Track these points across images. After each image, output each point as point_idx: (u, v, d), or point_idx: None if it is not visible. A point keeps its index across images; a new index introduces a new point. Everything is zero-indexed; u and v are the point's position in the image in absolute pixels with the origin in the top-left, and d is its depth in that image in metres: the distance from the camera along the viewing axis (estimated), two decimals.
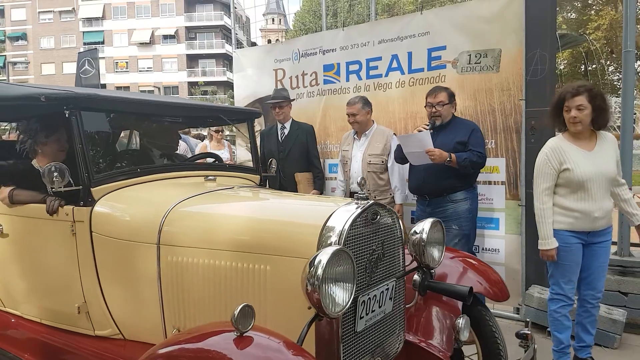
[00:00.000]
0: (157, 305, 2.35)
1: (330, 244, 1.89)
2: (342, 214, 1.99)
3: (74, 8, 49.48)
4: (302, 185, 4.72)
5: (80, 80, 10.61)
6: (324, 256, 1.72)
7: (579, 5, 20.78)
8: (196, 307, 2.26)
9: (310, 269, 1.71)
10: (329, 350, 1.90)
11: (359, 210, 2.02)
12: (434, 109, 3.86)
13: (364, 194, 2.11)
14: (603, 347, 3.72)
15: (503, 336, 2.53)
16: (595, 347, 3.51)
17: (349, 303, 1.81)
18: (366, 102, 4.35)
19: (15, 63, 43.03)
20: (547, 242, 3.13)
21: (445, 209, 3.83)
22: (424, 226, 2.34)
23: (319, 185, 4.84)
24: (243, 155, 6.17)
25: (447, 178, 3.76)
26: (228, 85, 45.51)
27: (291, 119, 4.94)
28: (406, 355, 2.37)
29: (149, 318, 2.39)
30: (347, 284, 1.81)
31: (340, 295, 1.80)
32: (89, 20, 49.51)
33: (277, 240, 2.08)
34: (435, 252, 2.40)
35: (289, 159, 4.76)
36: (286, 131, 4.88)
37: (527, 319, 2.48)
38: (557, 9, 6.14)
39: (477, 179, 4.07)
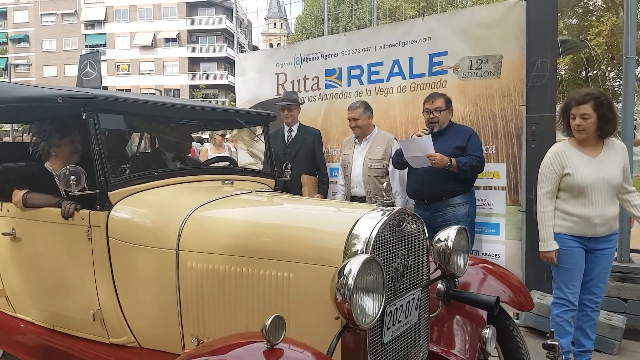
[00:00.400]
0: (175, 312, 2.28)
1: (356, 252, 1.85)
2: (368, 221, 1.94)
3: (76, 11, 49.66)
4: (307, 188, 4.73)
5: (82, 83, 10.62)
6: (355, 265, 1.66)
7: (580, 11, 20.84)
8: (216, 315, 2.19)
9: (339, 278, 1.66)
10: None
11: (385, 217, 1.97)
12: (431, 115, 3.90)
13: (389, 199, 2.05)
14: (602, 353, 3.72)
15: (527, 348, 2.48)
16: (595, 353, 3.51)
17: (379, 314, 1.76)
18: (367, 107, 4.36)
19: (17, 65, 43.22)
20: (547, 244, 3.19)
21: (444, 212, 3.85)
22: (449, 234, 2.28)
23: (323, 190, 4.83)
24: (244, 158, 6.18)
25: (446, 182, 3.80)
26: (229, 89, 45.60)
27: (299, 122, 4.94)
28: None
29: (166, 326, 2.33)
30: (377, 294, 1.76)
31: (371, 305, 1.74)
32: (91, 23, 49.68)
33: (302, 247, 2.02)
34: (461, 261, 2.33)
35: (295, 161, 4.75)
36: (293, 134, 4.87)
37: (552, 329, 2.42)
38: (558, 14, 6.16)
39: (478, 184, 4.10)
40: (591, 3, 20.55)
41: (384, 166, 4.30)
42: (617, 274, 4.08)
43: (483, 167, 3.84)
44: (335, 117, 5.26)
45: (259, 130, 6.09)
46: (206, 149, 7.33)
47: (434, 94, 3.99)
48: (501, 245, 4.23)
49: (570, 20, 21.14)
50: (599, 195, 3.07)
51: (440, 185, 3.81)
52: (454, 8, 7.10)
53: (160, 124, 3.26)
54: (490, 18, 4.20)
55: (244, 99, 6.18)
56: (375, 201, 4.24)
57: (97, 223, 2.47)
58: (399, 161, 4.02)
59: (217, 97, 46.65)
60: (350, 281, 1.63)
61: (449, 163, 3.68)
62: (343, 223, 2.00)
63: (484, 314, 2.44)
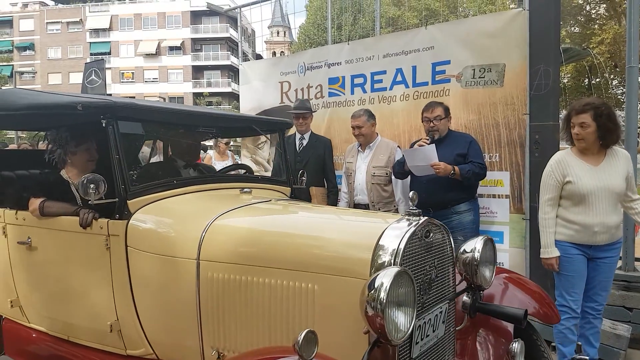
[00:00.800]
0: (194, 324, 2.23)
1: (383, 264, 1.81)
2: (395, 231, 1.90)
3: (81, 19, 50.06)
4: (315, 200, 4.72)
5: (87, 90, 10.68)
6: (387, 278, 1.62)
7: (582, 19, 20.90)
8: (237, 327, 2.15)
9: (370, 291, 1.61)
10: None
11: (413, 227, 1.92)
12: (431, 124, 3.93)
13: (415, 209, 2.00)
14: None
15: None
16: None
17: (411, 328, 1.71)
18: (371, 115, 4.38)
19: (22, 73, 43.45)
20: (548, 251, 3.22)
21: (450, 220, 3.85)
22: (475, 245, 2.23)
23: (333, 201, 4.81)
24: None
25: (450, 190, 3.82)
26: (233, 97, 45.78)
27: (310, 131, 4.94)
28: None
29: (186, 337, 2.28)
30: (409, 308, 1.71)
31: (402, 320, 1.69)
32: (96, 31, 50.05)
33: (327, 258, 1.97)
34: (487, 272, 2.29)
35: (305, 170, 4.74)
36: (305, 142, 4.86)
37: (579, 342, 2.39)
38: (561, 23, 6.19)
39: (481, 192, 4.12)
40: (593, 11, 20.62)
41: (387, 174, 4.31)
42: (622, 282, 4.07)
43: (485, 173, 3.87)
44: (338, 125, 5.28)
45: (262, 137, 6.16)
46: (210, 156, 7.35)
47: (432, 103, 4.02)
48: (505, 254, 4.23)
49: (573, 28, 21.20)
50: (600, 204, 3.09)
51: (445, 193, 3.83)
52: (457, 17, 7.14)
53: (177, 131, 3.23)
54: (493, 27, 4.23)
55: (247, 107, 6.22)
56: (379, 209, 4.25)
57: (116, 232, 2.43)
58: (400, 170, 4.05)
59: (220, 105, 46.81)
60: (383, 295, 1.59)
61: (452, 171, 3.71)
62: (369, 234, 1.96)
63: (510, 327, 2.38)
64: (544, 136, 4.04)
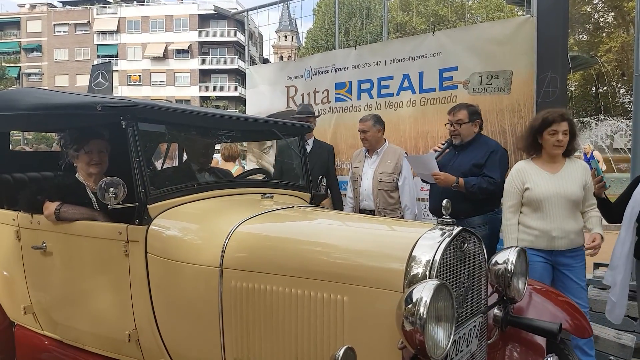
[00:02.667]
0: (217, 334, 2.16)
1: (416, 275, 1.75)
2: (428, 242, 1.84)
3: (89, 21, 50.39)
4: None
5: (93, 92, 10.75)
6: (426, 292, 1.56)
7: (590, 27, 20.86)
8: (262, 338, 2.07)
9: (408, 306, 1.56)
10: None
11: (448, 238, 1.85)
12: (452, 127, 3.77)
13: (449, 219, 1.93)
14: None
15: None
16: None
17: (449, 344, 1.65)
18: (378, 120, 4.37)
19: (29, 74, 43.81)
20: None
21: None
22: (508, 256, 2.18)
23: (338, 208, 4.80)
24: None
25: (460, 201, 3.52)
26: (240, 101, 45.90)
27: (314, 137, 4.92)
28: None
29: (207, 348, 2.21)
30: (447, 324, 1.65)
31: (441, 335, 1.63)
32: (103, 34, 50.35)
33: (357, 268, 1.90)
34: (520, 285, 2.23)
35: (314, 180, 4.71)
36: (309, 148, 4.80)
37: (612, 358, 2.37)
38: (569, 30, 6.18)
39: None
40: (602, 20, 20.59)
41: (394, 180, 4.29)
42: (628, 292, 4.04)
43: (497, 190, 3.55)
44: (344, 130, 5.29)
45: (268, 142, 6.16)
46: (217, 160, 7.36)
47: (458, 105, 3.84)
48: None
49: (581, 36, 21.17)
50: (556, 209, 3.18)
51: (456, 204, 3.66)
52: (464, 23, 7.14)
53: (196, 134, 3.13)
54: (501, 34, 4.23)
55: (254, 111, 6.24)
56: (385, 215, 4.23)
57: (135, 238, 2.35)
58: None
59: (227, 109, 46.94)
60: (423, 310, 1.53)
61: (455, 183, 3.54)
62: (401, 244, 1.90)
63: (542, 341, 2.33)
64: None
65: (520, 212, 3.32)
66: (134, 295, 2.39)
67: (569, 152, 3.29)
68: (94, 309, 2.60)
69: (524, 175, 3.29)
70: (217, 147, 8.47)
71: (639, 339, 3.84)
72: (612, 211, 3.17)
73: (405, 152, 4.45)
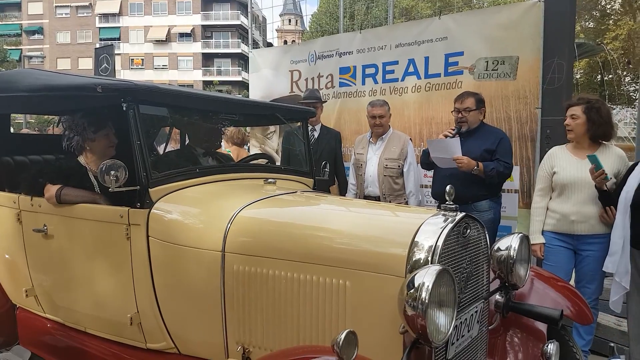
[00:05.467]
0: (219, 318, 2.17)
1: (419, 261, 1.76)
2: (431, 227, 1.84)
3: (90, 3, 49.98)
4: None
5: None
6: (428, 277, 1.57)
7: (597, 14, 20.62)
8: (264, 322, 2.09)
9: (410, 291, 1.57)
10: None
11: (451, 223, 1.86)
12: (460, 115, 3.80)
13: (452, 204, 1.93)
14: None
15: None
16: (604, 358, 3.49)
17: (451, 329, 1.66)
18: (389, 105, 4.35)
19: (31, 57, 43.56)
20: (533, 237, 3.38)
21: None
22: (511, 242, 2.19)
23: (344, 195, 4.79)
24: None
25: (471, 186, 3.66)
26: (243, 85, 45.73)
27: (321, 123, 4.89)
28: None
29: (209, 332, 2.22)
30: (449, 309, 1.66)
31: (443, 320, 1.64)
32: (105, 16, 49.99)
33: (359, 254, 1.91)
34: (522, 271, 2.24)
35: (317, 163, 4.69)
36: (316, 134, 4.79)
37: (612, 344, 2.38)
38: (576, 17, 6.11)
39: None
40: (608, 7, 20.33)
41: (399, 166, 4.27)
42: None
43: (510, 174, 3.75)
44: (348, 116, 5.27)
45: (271, 128, 6.13)
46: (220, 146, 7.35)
47: (465, 93, 3.89)
48: None
49: (588, 23, 20.94)
50: (578, 194, 3.24)
51: (465, 189, 3.64)
52: (470, 8, 7.07)
53: (198, 117, 3.10)
54: (508, 19, 4.19)
55: (257, 96, 6.21)
56: (390, 201, 4.22)
57: (137, 221, 2.34)
58: (426, 161, 3.94)
59: (230, 94, 46.79)
60: (425, 295, 1.54)
61: (475, 167, 3.59)
62: (404, 229, 1.90)
63: (543, 327, 2.34)
64: (556, 131, 4.00)
65: (551, 198, 3.42)
66: (136, 279, 2.39)
67: (595, 138, 3.28)
68: (95, 292, 2.61)
69: (554, 159, 3.39)
70: None
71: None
72: (612, 199, 3.17)
73: (411, 138, 4.42)
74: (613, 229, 3.10)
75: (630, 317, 3.20)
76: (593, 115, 3.24)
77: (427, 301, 1.54)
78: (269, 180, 2.74)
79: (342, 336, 1.44)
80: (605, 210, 3.18)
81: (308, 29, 33.85)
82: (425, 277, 1.58)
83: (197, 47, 49.20)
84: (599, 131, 3.27)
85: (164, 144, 3.96)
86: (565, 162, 3.33)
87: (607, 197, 3.17)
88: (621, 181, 3.19)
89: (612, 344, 2.37)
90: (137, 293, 2.40)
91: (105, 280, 2.56)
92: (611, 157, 3.25)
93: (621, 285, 3.05)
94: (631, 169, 3.17)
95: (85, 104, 2.63)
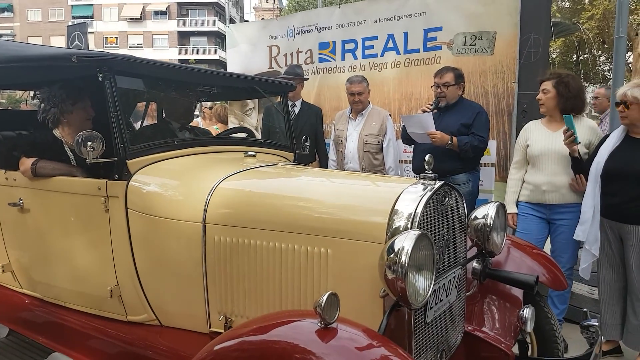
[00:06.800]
0: (200, 289, 2.17)
1: (399, 228, 1.78)
2: (410, 196, 1.86)
3: None
4: None
5: None
6: (408, 241, 1.60)
7: None
8: (246, 292, 2.10)
9: (390, 255, 1.60)
10: (400, 342, 1.71)
11: (429, 191, 1.88)
12: (439, 90, 3.84)
13: (431, 174, 1.96)
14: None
15: (559, 326, 2.50)
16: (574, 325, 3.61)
17: (430, 292, 1.70)
18: (367, 81, 4.34)
19: (0, 35, 42.15)
20: (507, 207, 3.39)
21: None
22: (488, 211, 2.23)
23: None
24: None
25: (448, 160, 3.72)
26: (220, 64, 44.99)
27: (301, 99, 4.86)
28: (465, 347, 2.23)
29: (191, 303, 2.22)
30: (428, 272, 1.70)
31: (422, 283, 1.68)
32: None
33: (341, 222, 1.92)
34: (499, 239, 2.29)
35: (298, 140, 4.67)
36: (297, 110, 4.77)
37: (585, 309, 2.46)
38: None
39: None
40: None
41: (379, 142, 4.30)
42: None
43: (485, 147, 3.82)
44: (328, 92, 5.25)
45: (250, 104, 6.08)
46: (197, 123, 7.26)
47: (444, 68, 3.92)
48: None
49: (564, 2, 21.11)
50: (548, 164, 3.37)
51: (443, 163, 3.63)
52: None
53: (175, 89, 3.04)
54: None
55: (235, 71, 6.13)
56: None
57: (115, 193, 2.31)
58: (406, 136, 3.97)
59: None
60: (404, 258, 1.57)
61: (449, 142, 3.64)
62: (384, 198, 1.92)
63: (519, 293, 2.40)
64: (532, 105, 4.05)
65: (526, 171, 3.54)
66: (115, 251, 2.38)
67: (566, 111, 3.33)
68: (74, 265, 2.58)
69: (528, 133, 3.50)
70: (196, 112, 8.34)
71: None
72: (584, 168, 3.26)
73: (390, 114, 4.44)
74: (584, 199, 3.19)
75: (601, 284, 3.32)
76: (562, 89, 3.35)
77: (406, 265, 1.57)
78: (249, 153, 2.72)
79: (324, 298, 1.46)
80: (575, 179, 3.28)
81: (286, 7, 33.38)
82: (405, 242, 1.61)
83: (172, 25, 48.12)
84: (569, 104, 3.35)
85: (141, 122, 3.90)
86: (538, 135, 3.44)
87: (579, 165, 3.25)
88: (593, 152, 3.27)
89: (584, 310, 2.44)
90: (117, 265, 2.39)
91: (84, 253, 2.52)
92: (583, 129, 3.35)
93: (591, 252, 3.16)
94: (603, 140, 3.25)
95: (60, 75, 2.57)
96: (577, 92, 3.40)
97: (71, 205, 2.52)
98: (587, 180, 3.19)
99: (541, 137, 3.42)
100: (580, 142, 3.21)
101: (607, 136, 3.28)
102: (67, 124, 2.70)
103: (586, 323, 2.27)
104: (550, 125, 3.44)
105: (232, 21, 6.68)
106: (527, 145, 3.46)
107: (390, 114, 4.45)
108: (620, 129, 3.19)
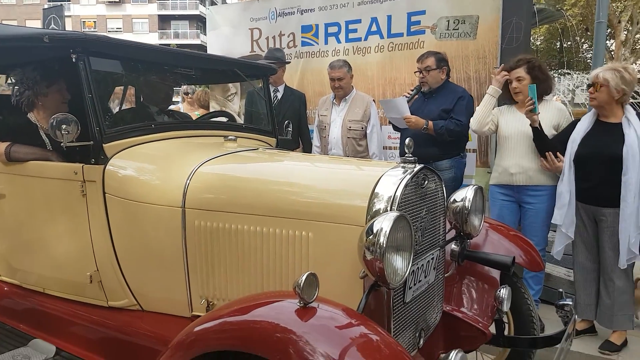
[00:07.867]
0: (181, 273, 2.17)
1: (378, 211, 1.80)
2: (391, 179, 1.89)
3: None
4: None
5: None
6: (386, 222, 1.63)
7: None
8: (227, 275, 2.10)
9: (369, 237, 1.63)
10: (379, 322, 1.75)
11: (409, 175, 1.91)
12: (421, 75, 3.84)
13: (411, 157, 1.99)
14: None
15: (535, 306, 2.57)
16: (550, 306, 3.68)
17: (408, 272, 1.74)
18: (349, 66, 4.30)
19: None
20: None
21: None
22: (466, 194, 2.29)
23: None
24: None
25: (429, 146, 3.74)
26: (202, 49, 44.18)
27: (284, 83, 4.78)
28: (443, 327, 2.28)
29: (172, 287, 2.22)
30: (406, 253, 1.74)
31: (400, 264, 1.72)
32: None
33: (322, 206, 1.94)
34: (477, 221, 2.34)
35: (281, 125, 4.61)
36: (279, 95, 4.70)
37: (560, 290, 2.54)
38: None
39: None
40: None
41: (362, 128, 4.27)
42: None
43: (465, 132, 3.80)
44: (311, 76, 5.20)
45: (232, 89, 5.99)
46: (179, 108, 7.17)
47: (426, 53, 3.92)
48: None
49: None
50: (516, 146, 3.43)
51: (424, 148, 3.69)
52: None
53: (152, 72, 2.99)
54: None
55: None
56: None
57: (91, 178, 2.28)
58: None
59: None
60: (382, 239, 1.60)
61: (424, 126, 3.65)
62: (364, 181, 1.95)
63: (496, 274, 2.45)
64: None
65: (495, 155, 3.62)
66: (94, 236, 2.35)
67: (540, 94, 3.37)
68: (52, 251, 2.55)
69: (499, 115, 3.57)
70: (177, 99, 8.20)
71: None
72: (547, 143, 3.31)
73: (373, 100, 4.42)
74: (560, 183, 3.25)
75: (576, 265, 3.39)
76: (537, 73, 3.39)
77: (384, 245, 1.60)
78: (229, 137, 2.69)
79: (303, 278, 1.48)
80: (545, 157, 3.31)
81: None
82: (384, 223, 1.63)
83: (152, 9, 47.24)
84: (542, 87, 3.40)
85: (119, 106, 3.83)
86: (509, 116, 3.50)
87: (540, 138, 3.30)
88: (560, 132, 3.36)
89: (560, 290, 2.51)
90: (96, 250, 2.36)
91: (62, 239, 2.50)
92: (552, 111, 3.45)
93: (566, 235, 3.22)
94: (574, 125, 3.29)
95: (33, 56, 2.51)
96: (548, 72, 3.48)
97: (47, 190, 2.49)
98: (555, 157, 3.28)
99: (512, 119, 3.48)
100: (539, 113, 3.25)
101: (577, 120, 3.33)
102: (42, 107, 2.64)
103: (561, 302, 2.34)
104: (521, 109, 3.44)
105: (213, 3, 6.55)
106: (497, 127, 3.54)
107: (374, 100, 4.43)
108: (590, 113, 3.25)
